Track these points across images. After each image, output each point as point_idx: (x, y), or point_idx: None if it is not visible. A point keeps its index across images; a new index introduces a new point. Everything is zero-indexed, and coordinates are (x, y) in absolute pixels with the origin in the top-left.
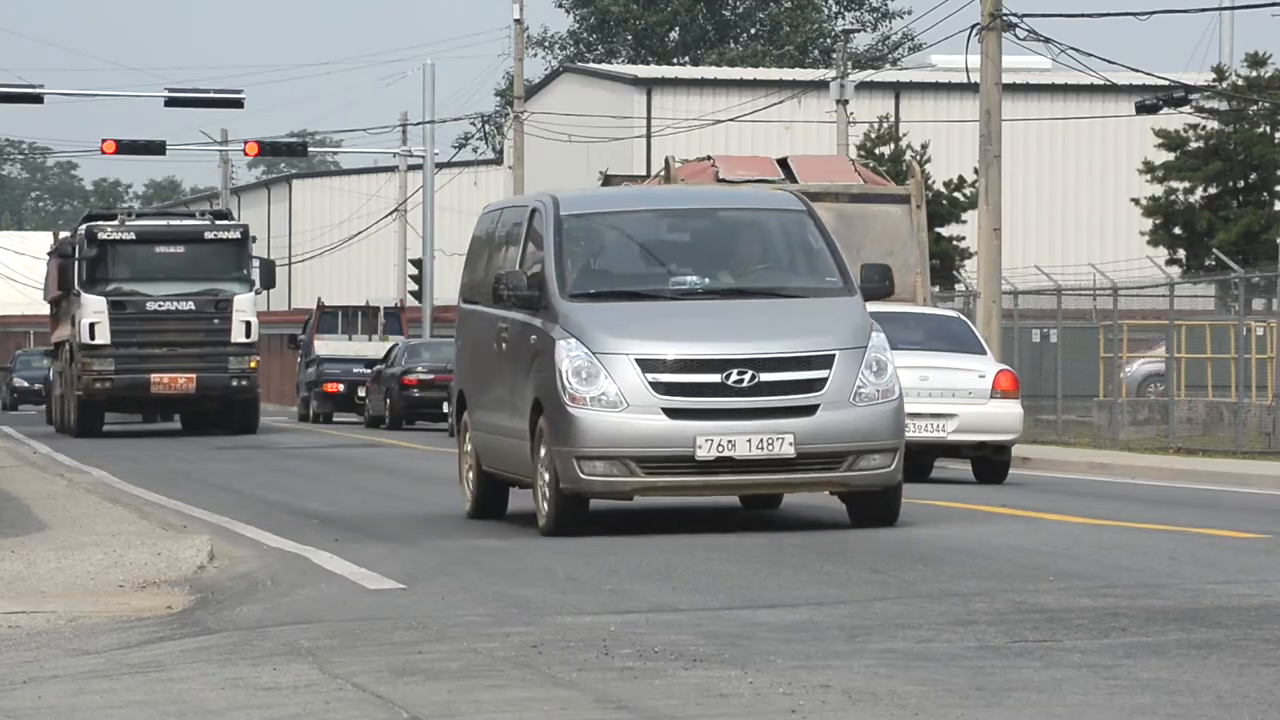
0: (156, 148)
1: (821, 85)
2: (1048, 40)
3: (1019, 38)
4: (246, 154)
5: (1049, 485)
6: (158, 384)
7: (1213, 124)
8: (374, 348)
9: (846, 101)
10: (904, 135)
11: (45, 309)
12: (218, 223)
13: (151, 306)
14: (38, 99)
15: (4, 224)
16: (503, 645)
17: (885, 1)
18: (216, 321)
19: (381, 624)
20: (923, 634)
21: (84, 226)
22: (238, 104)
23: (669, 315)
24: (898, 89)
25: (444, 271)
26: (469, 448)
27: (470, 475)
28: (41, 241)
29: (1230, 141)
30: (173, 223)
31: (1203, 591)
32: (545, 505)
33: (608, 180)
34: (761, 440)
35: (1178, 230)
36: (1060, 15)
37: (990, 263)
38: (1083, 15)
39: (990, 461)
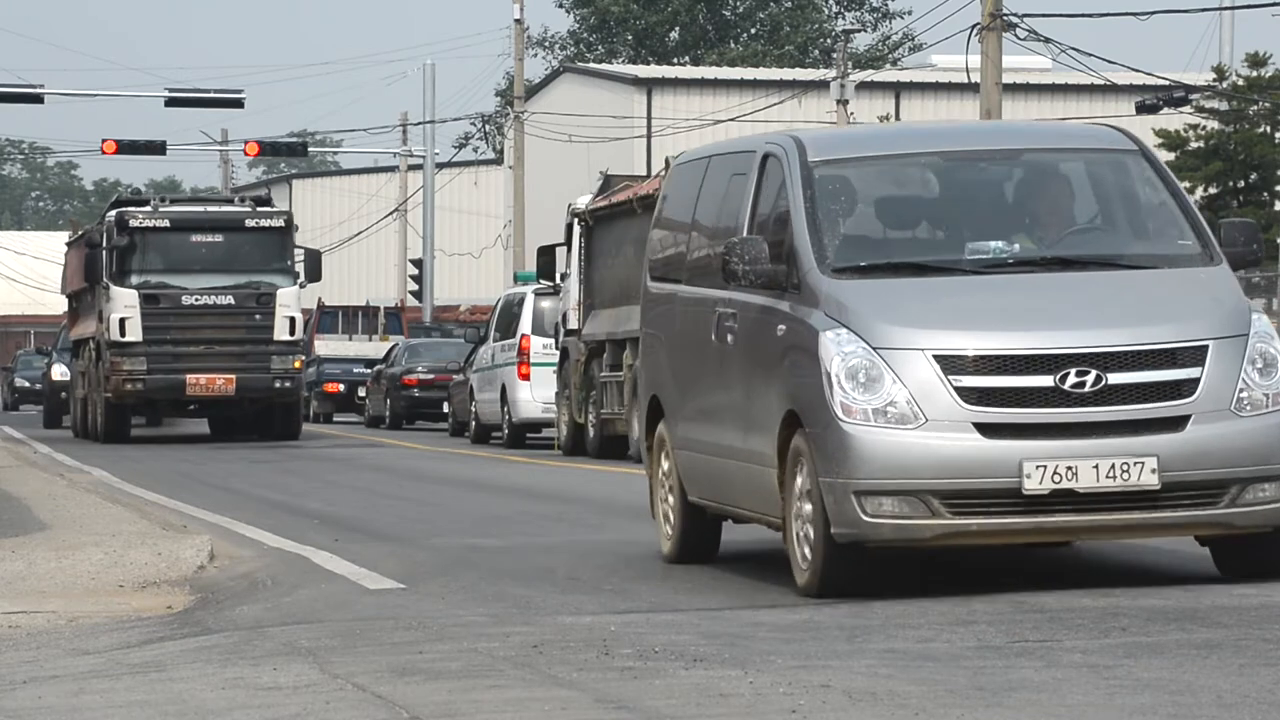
0: (156, 148)
1: (822, 85)
2: (1048, 40)
3: (1019, 38)
4: (246, 154)
5: None
6: (194, 385)
7: (1213, 124)
8: (374, 348)
9: (847, 101)
10: None
11: (46, 309)
12: (259, 209)
13: (187, 300)
14: (38, 99)
15: (4, 224)
16: (503, 645)
17: (885, 1)
18: (258, 317)
19: (382, 624)
20: (923, 634)
21: (113, 213)
22: (238, 104)
23: (973, 294)
24: (898, 89)
25: (444, 271)
26: (665, 468)
27: (670, 506)
28: (42, 241)
29: (1230, 142)
30: (210, 209)
31: (1203, 591)
32: (805, 554)
33: (607, 181)
34: (1114, 466)
35: None
36: (1060, 15)
37: None
38: (1083, 15)
39: None
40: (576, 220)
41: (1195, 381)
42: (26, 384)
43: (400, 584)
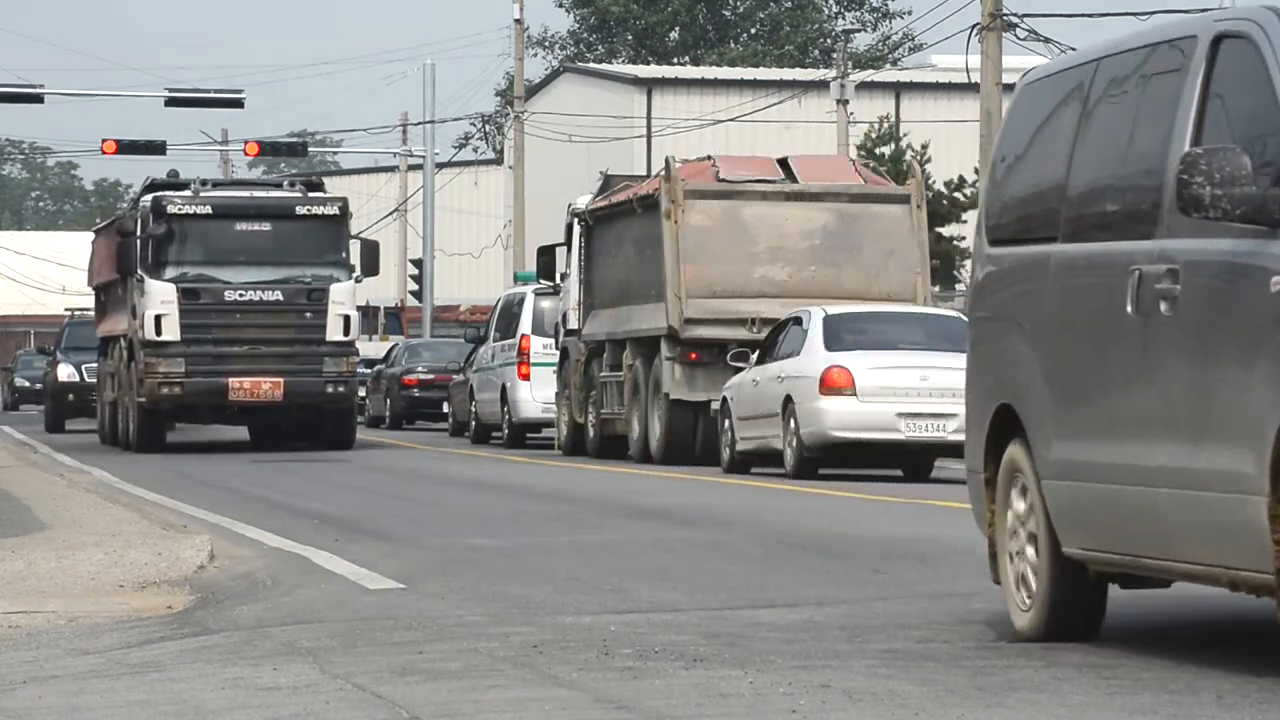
0: (157, 148)
1: (822, 85)
2: (1048, 40)
3: (1019, 38)
4: (247, 154)
5: None
6: (237, 389)
7: None
8: (374, 348)
9: (847, 101)
10: (904, 135)
11: (45, 309)
12: (311, 195)
13: (230, 296)
14: (38, 99)
15: (4, 224)
16: (503, 645)
17: (885, 1)
18: (309, 315)
19: (382, 624)
20: (923, 634)
21: (149, 198)
22: (238, 104)
23: None
24: (898, 89)
25: (444, 271)
26: (1022, 509)
27: (1029, 563)
28: (42, 241)
29: None
30: (257, 194)
31: (1203, 591)
32: None
33: (608, 181)
34: None
35: None
36: (1060, 15)
37: None
38: (1083, 15)
39: None
40: (576, 220)
41: None
42: (26, 384)
43: (400, 584)
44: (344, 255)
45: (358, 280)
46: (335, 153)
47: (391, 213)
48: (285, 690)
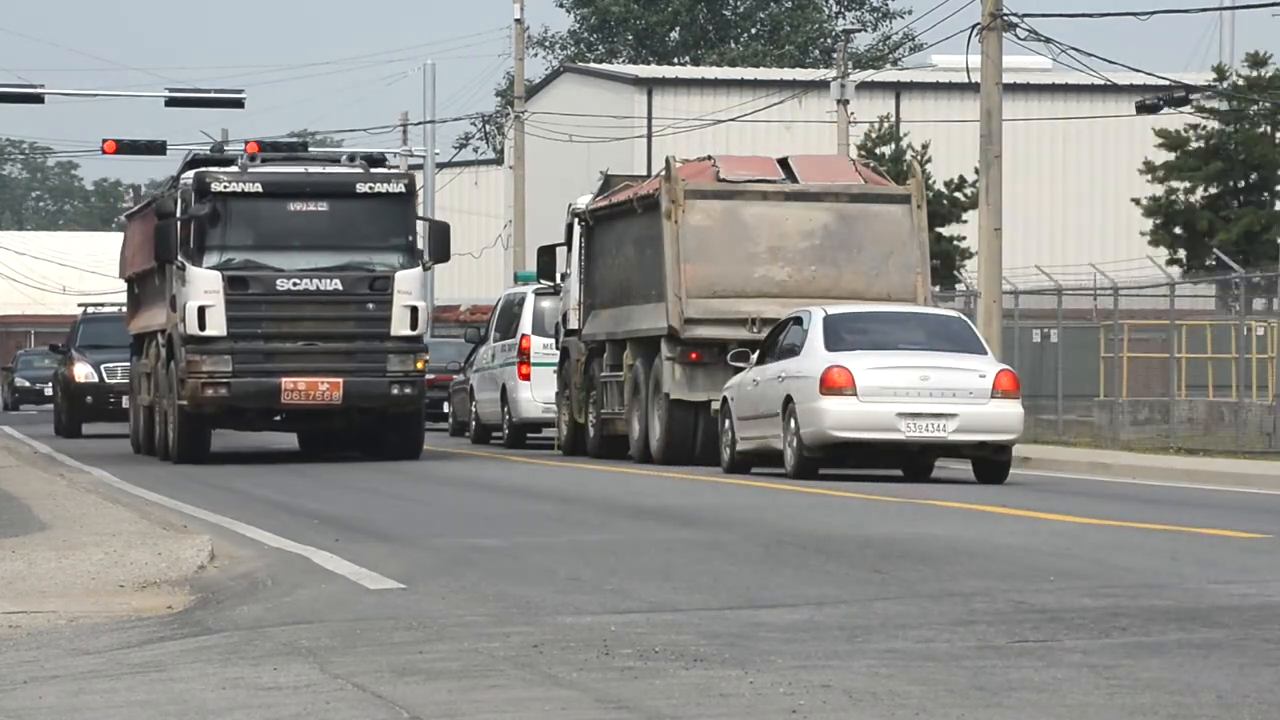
0: (157, 148)
1: (822, 85)
2: (1048, 40)
3: (1019, 38)
4: (247, 154)
5: (1049, 485)
6: (290, 391)
7: (1213, 124)
8: None
9: (847, 101)
10: (904, 135)
11: (46, 308)
12: (374, 171)
13: (283, 285)
14: (38, 99)
15: (4, 224)
16: (503, 645)
17: (886, 1)
18: (372, 306)
19: (382, 624)
20: (923, 634)
21: (191, 174)
22: (238, 104)
23: None
24: (898, 89)
25: (444, 271)
26: None
27: None
28: (42, 241)
29: (1231, 141)
30: (313, 170)
31: (1203, 591)
32: None
33: (608, 181)
34: None
35: (1178, 230)
36: (1061, 15)
37: (991, 263)
38: (1083, 15)
39: (991, 461)
40: (576, 220)
41: None
42: (26, 384)
43: (400, 584)
44: (410, 239)
45: (426, 267)
46: (335, 152)
47: None
48: (285, 690)
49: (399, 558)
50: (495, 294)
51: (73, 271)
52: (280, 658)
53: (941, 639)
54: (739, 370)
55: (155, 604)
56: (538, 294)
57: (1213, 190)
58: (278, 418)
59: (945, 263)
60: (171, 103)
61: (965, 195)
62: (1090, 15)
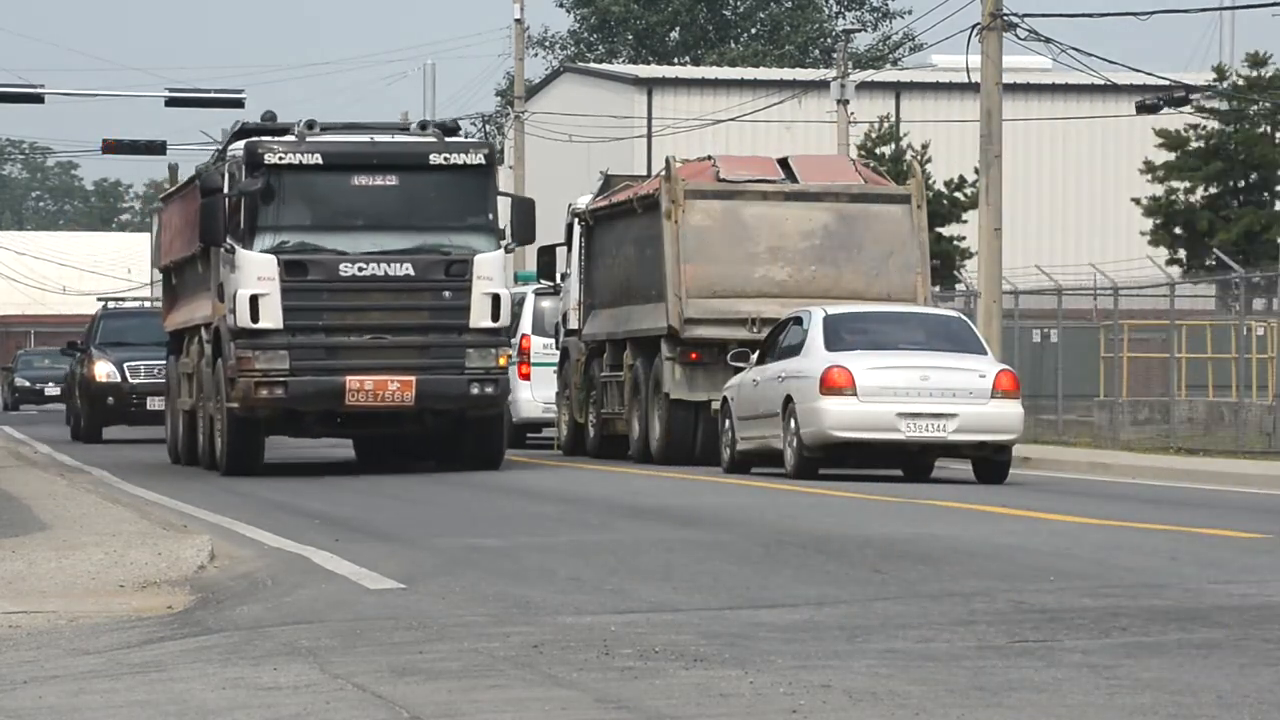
0: (156, 148)
1: (822, 85)
2: (1048, 40)
3: (1019, 38)
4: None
5: (1049, 485)
6: (356, 391)
7: (1213, 124)
8: None
9: (847, 101)
10: (904, 135)
11: (46, 308)
12: (450, 141)
13: (347, 270)
14: (38, 99)
15: (4, 224)
16: (503, 645)
17: (886, 1)
18: (448, 294)
19: (382, 624)
20: (923, 634)
21: (242, 145)
22: (238, 104)
23: None
24: (898, 89)
25: None
26: None
27: None
28: (42, 241)
29: (1231, 141)
30: (379, 139)
31: (1203, 591)
32: None
33: (608, 181)
34: None
35: (1178, 230)
36: (1061, 15)
37: (991, 263)
38: (1083, 15)
39: (991, 461)
40: (576, 220)
41: None
42: (27, 384)
43: (400, 584)
44: (491, 217)
45: (508, 250)
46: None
47: None
48: (285, 690)
49: (399, 558)
50: None
51: (73, 271)
52: (280, 658)
53: (941, 639)
54: (739, 370)
55: (155, 604)
56: (538, 294)
57: (1213, 190)
58: (345, 422)
59: (945, 263)
60: (171, 103)
61: (965, 195)
62: (1090, 15)
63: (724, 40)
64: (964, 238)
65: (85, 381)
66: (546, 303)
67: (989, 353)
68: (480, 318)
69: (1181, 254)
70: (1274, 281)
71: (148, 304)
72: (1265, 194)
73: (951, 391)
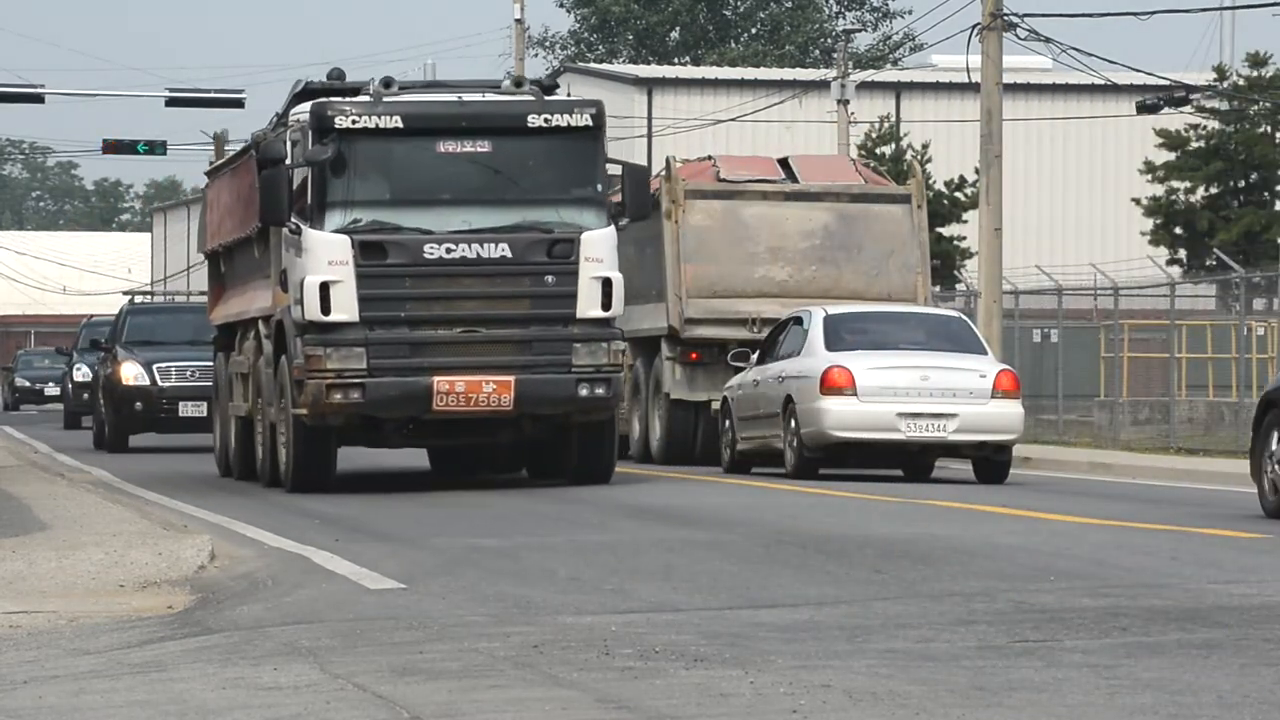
0: (157, 148)
1: (822, 85)
2: (1048, 40)
3: (1020, 38)
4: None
5: (1050, 485)
6: (445, 394)
7: (1213, 124)
8: None
9: (847, 101)
10: (905, 135)
11: (46, 308)
12: (550, 100)
13: (433, 252)
14: (38, 99)
15: (4, 224)
16: (503, 645)
17: (886, 1)
18: (552, 279)
19: (382, 624)
20: (924, 634)
21: (307, 107)
22: (238, 104)
23: None
24: (898, 89)
25: None
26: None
27: None
28: (42, 241)
29: (1231, 141)
30: (469, 99)
31: (1204, 591)
32: None
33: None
34: None
35: (1178, 230)
36: (1061, 15)
37: (991, 262)
38: (1083, 15)
39: (991, 461)
40: None
41: None
42: (27, 384)
43: (401, 584)
44: (599, 188)
45: (620, 226)
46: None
47: None
48: (286, 690)
49: (399, 558)
50: None
51: (73, 271)
52: (280, 658)
53: (941, 639)
54: (739, 370)
55: (155, 604)
56: None
57: (1213, 190)
58: (422, 429)
59: (945, 263)
60: (171, 103)
61: (965, 195)
62: (1090, 15)
63: (724, 40)
64: (964, 238)
65: (110, 385)
66: None
67: (989, 353)
68: (589, 306)
69: (1182, 254)
70: (1274, 281)
71: (178, 298)
72: (1265, 194)
73: (952, 391)
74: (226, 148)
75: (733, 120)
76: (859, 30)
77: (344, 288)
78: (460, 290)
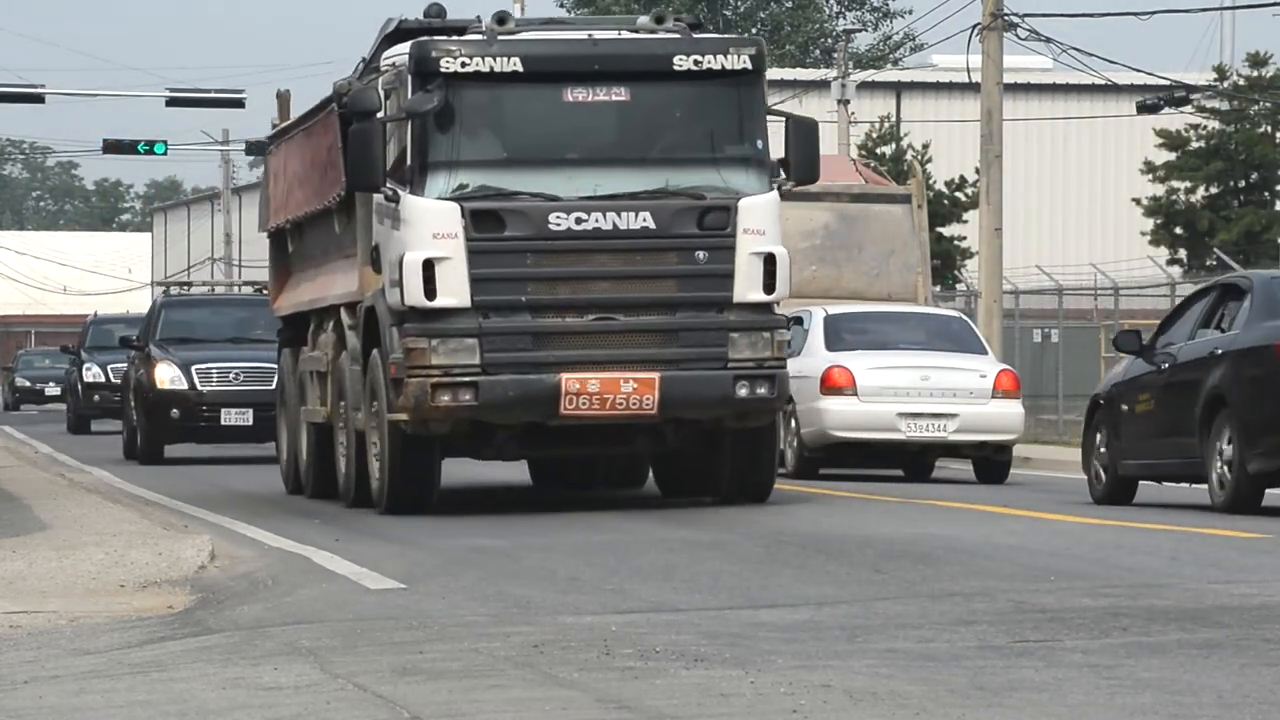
0: (157, 147)
1: (823, 85)
2: (1049, 40)
3: (1020, 38)
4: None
5: (1050, 485)
6: (576, 395)
7: (1214, 124)
8: None
9: (848, 101)
10: (905, 135)
11: (46, 308)
12: (699, 38)
13: (560, 223)
14: (38, 99)
15: (4, 224)
16: (504, 645)
17: (886, 1)
18: (702, 256)
19: (383, 624)
20: (924, 634)
21: (406, 47)
22: (238, 104)
23: None
24: (899, 89)
25: None
26: None
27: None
28: (42, 241)
29: (1231, 141)
30: (600, 36)
31: (1204, 591)
32: None
33: None
34: None
35: (1179, 230)
36: (1061, 15)
37: (991, 262)
38: (1084, 15)
39: (991, 461)
40: None
41: None
42: (27, 384)
43: (401, 584)
44: (760, 144)
45: (784, 191)
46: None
47: None
48: (286, 690)
49: (399, 558)
50: None
51: (73, 271)
52: (281, 658)
53: (942, 639)
54: None
55: (156, 604)
56: None
57: (1213, 190)
58: (547, 437)
59: (945, 263)
60: (171, 103)
61: (965, 195)
62: (1090, 15)
63: None
64: (964, 238)
65: (144, 388)
66: None
67: (989, 353)
68: (749, 288)
69: (1182, 254)
70: None
71: (219, 289)
72: (1266, 194)
73: (952, 391)
74: (226, 147)
75: None
76: (859, 30)
77: (452, 266)
78: (593, 269)
